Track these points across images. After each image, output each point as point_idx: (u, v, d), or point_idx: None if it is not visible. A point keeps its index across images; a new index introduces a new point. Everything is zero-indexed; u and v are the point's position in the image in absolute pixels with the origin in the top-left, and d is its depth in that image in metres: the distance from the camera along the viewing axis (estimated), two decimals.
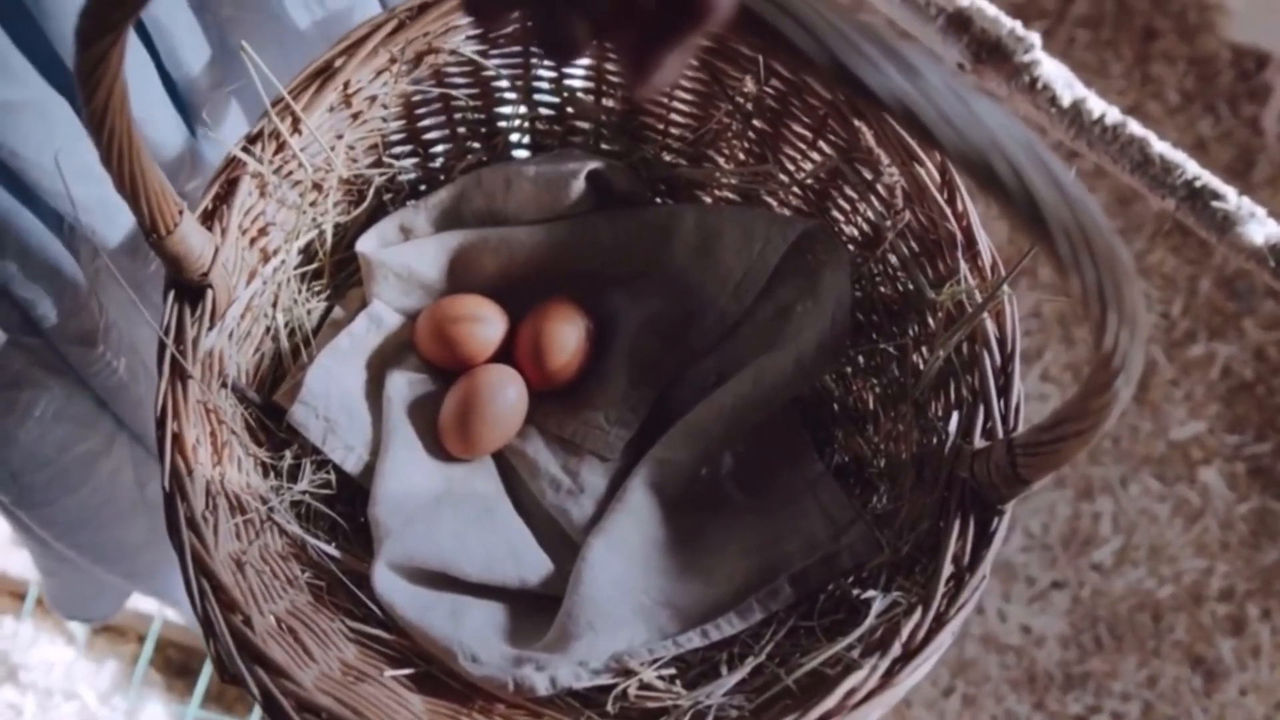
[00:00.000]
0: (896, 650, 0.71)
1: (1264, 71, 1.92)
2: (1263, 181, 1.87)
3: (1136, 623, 1.69)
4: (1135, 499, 1.74)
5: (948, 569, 0.73)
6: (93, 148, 0.82)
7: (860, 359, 0.89)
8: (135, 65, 0.83)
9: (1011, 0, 1.98)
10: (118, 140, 0.65)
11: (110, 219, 0.86)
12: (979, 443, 0.75)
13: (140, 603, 1.59)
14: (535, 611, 0.83)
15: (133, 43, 0.82)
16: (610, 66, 0.92)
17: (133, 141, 0.65)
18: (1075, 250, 0.47)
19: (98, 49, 0.57)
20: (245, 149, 0.81)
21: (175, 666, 1.65)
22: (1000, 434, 0.75)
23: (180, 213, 0.73)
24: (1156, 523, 1.72)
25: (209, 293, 0.78)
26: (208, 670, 1.60)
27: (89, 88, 0.60)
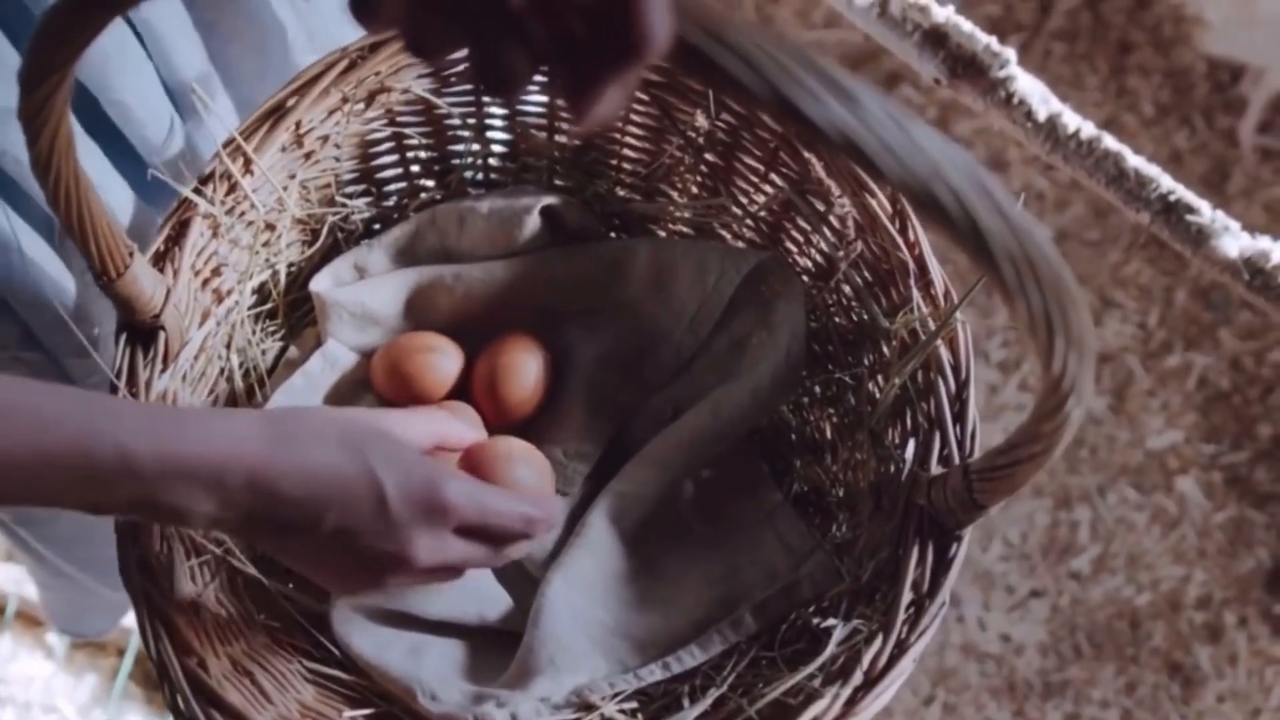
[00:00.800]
0: (858, 678, 0.71)
1: (1239, 84, 1.95)
2: (1238, 193, 1.89)
3: (1115, 630, 1.70)
4: (1113, 508, 1.75)
5: (907, 596, 0.73)
6: (90, 154, 0.82)
7: (817, 389, 0.89)
8: (133, 66, 0.84)
9: (987, 14, 2.01)
10: (64, 183, 0.64)
11: None
12: (935, 469, 0.75)
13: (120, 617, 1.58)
14: (495, 648, 0.82)
15: (130, 43, 0.83)
16: (562, 103, 0.93)
17: (79, 184, 0.65)
18: (1020, 276, 0.47)
19: (41, 92, 0.57)
20: (197, 190, 0.81)
21: (154, 680, 1.63)
22: (957, 459, 0.76)
23: (130, 255, 0.73)
24: (1134, 531, 1.74)
25: (161, 335, 0.78)
26: None
27: (34, 130, 0.60)
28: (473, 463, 0.80)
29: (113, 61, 0.82)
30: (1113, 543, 1.73)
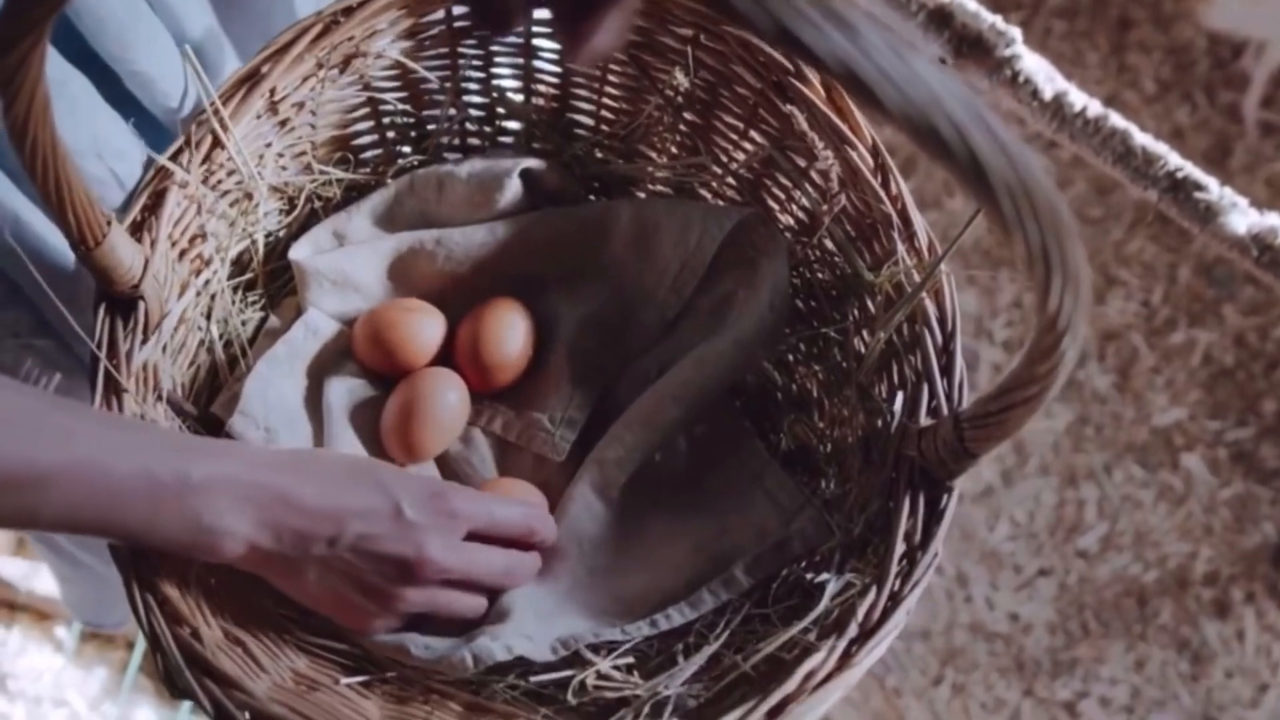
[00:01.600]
0: (853, 631, 0.71)
1: (1240, 60, 1.95)
2: (1240, 169, 1.90)
3: (1123, 608, 1.71)
4: (1119, 485, 1.76)
5: (900, 547, 0.73)
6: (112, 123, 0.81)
7: (801, 345, 0.89)
8: (148, 33, 0.84)
9: None
10: (41, 149, 0.63)
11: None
12: (925, 421, 0.75)
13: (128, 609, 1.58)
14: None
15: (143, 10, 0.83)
16: (539, 64, 0.92)
17: (57, 151, 0.64)
18: (1019, 209, 0.47)
19: (16, 53, 0.56)
20: (172, 158, 0.80)
21: None
22: (946, 411, 0.76)
23: (108, 224, 0.72)
24: (1141, 509, 1.75)
25: (140, 305, 0.77)
26: None
27: (9, 95, 0.59)
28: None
29: (128, 30, 0.81)
30: (1119, 520, 1.74)
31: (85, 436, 0.64)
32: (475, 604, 0.79)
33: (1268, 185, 1.90)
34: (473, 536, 0.77)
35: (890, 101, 0.43)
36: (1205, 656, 1.69)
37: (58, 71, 0.78)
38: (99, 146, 0.84)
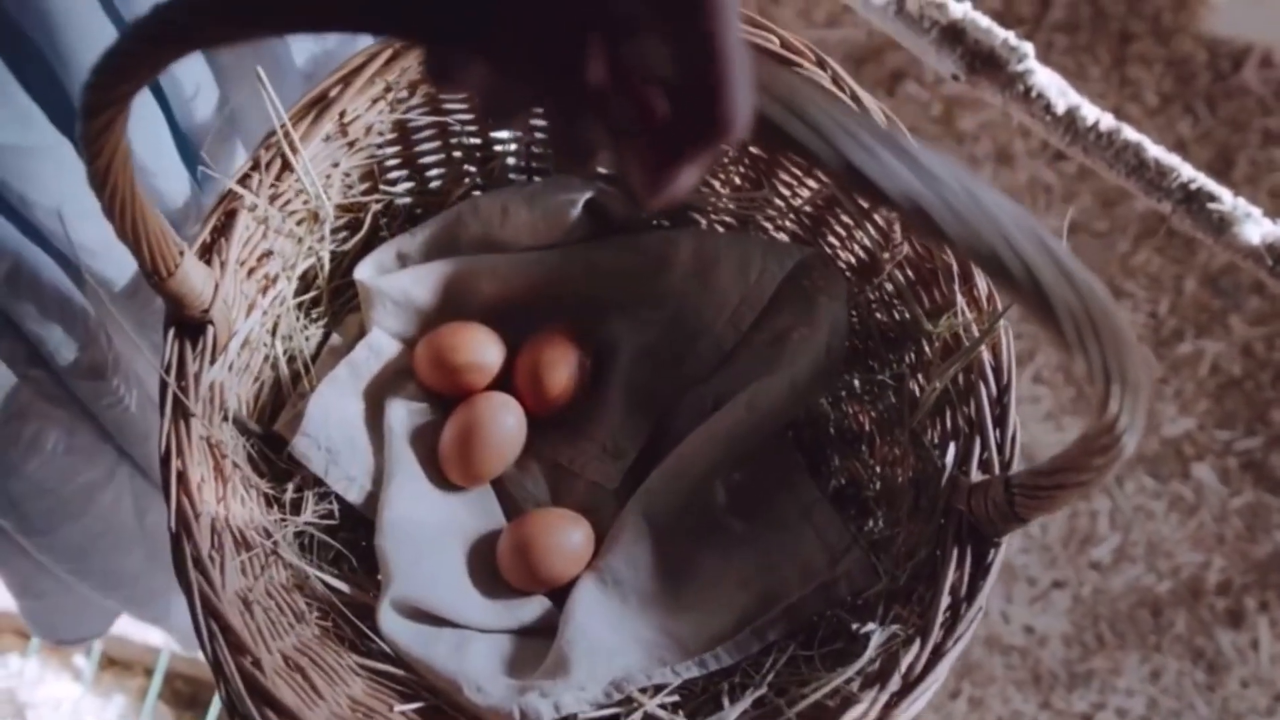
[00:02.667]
0: (895, 684, 0.72)
1: (1241, 71, 1.93)
2: (1243, 180, 1.88)
3: (1137, 619, 1.71)
4: (1131, 496, 1.75)
5: (945, 600, 0.74)
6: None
7: (856, 383, 0.90)
8: (143, 111, 0.84)
9: (989, 8, 1.99)
10: (120, 194, 0.65)
11: (115, 261, 0.87)
12: (976, 475, 0.76)
13: (147, 635, 1.58)
14: (535, 645, 0.83)
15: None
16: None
17: (134, 194, 0.66)
18: (1080, 331, 0.48)
19: (102, 119, 0.57)
20: (241, 181, 0.81)
21: (184, 699, 1.65)
22: (996, 466, 0.76)
23: (181, 254, 0.73)
24: (1153, 519, 1.74)
25: (210, 328, 0.78)
26: (217, 703, 1.59)
27: (94, 151, 0.60)
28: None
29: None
30: (1132, 531, 1.73)
31: None
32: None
33: (1271, 196, 1.88)
34: None
35: (959, 238, 0.44)
36: (1221, 666, 1.69)
37: (47, 138, 0.79)
38: None
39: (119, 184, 0.64)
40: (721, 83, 0.40)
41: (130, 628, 1.53)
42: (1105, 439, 0.56)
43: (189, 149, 0.91)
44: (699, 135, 0.41)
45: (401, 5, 0.41)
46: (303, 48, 0.93)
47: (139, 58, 0.51)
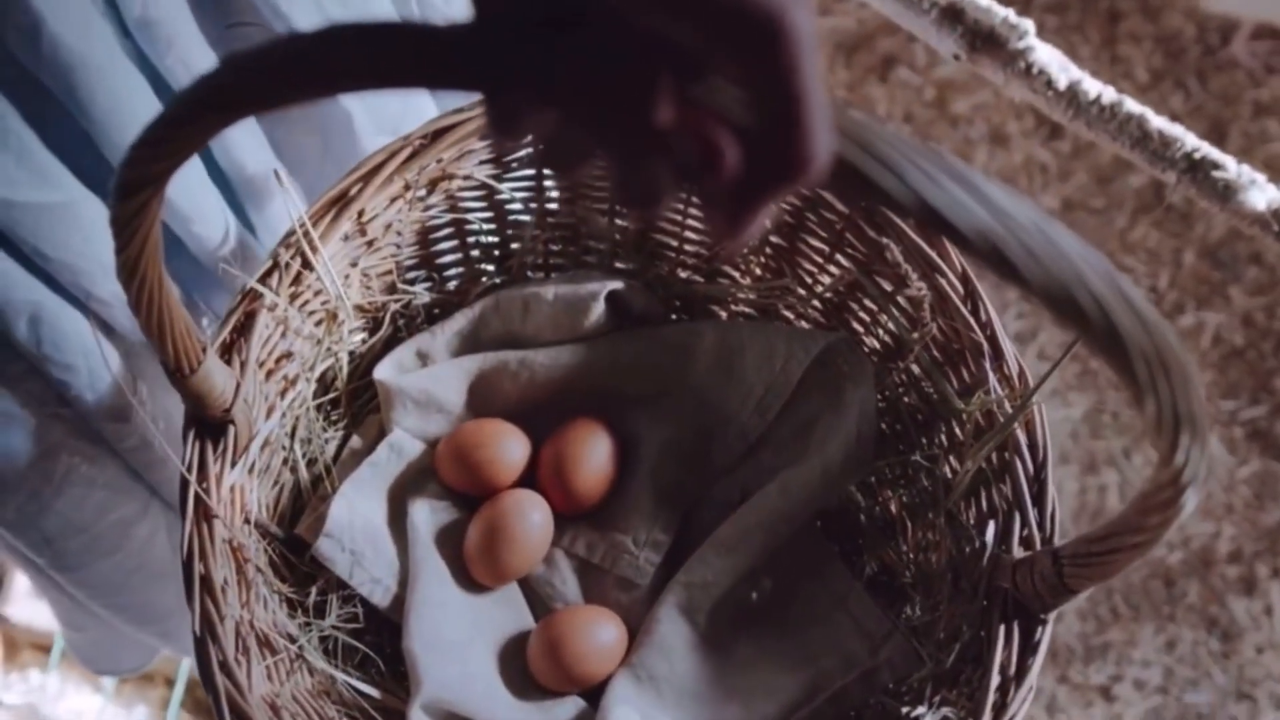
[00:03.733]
0: None
1: (1230, 45, 1.99)
2: (1237, 152, 1.91)
3: (1150, 590, 1.72)
4: (1139, 469, 1.77)
5: (995, 679, 0.72)
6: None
7: (885, 469, 0.89)
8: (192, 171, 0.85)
9: None
10: (148, 287, 0.64)
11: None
12: (1018, 552, 0.75)
13: None
14: None
15: None
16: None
17: (162, 286, 0.65)
18: (1153, 374, 0.47)
19: (137, 200, 0.56)
20: (261, 280, 0.81)
21: (205, 708, 1.63)
22: (1037, 542, 0.75)
23: (204, 350, 0.72)
24: None
25: (231, 429, 0.77)
26: None
27: (124, 236, 0.59)
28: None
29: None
30: None
31: None
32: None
33: (1266, 166, 1.92)
34: None
35: (1033, 277, 0.43)
36: (1235, 634, 1.69)
37: (69, 194, 0.80)
38: None
39: (148, 275, 0.63)
40: (801, 121, 0.39)
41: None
42: (1168, 492, 0.54)
43: (232, 193, 0.92)
44: (775, 175, 0.40)
45: (463, 55, 0.40)
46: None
47: (185, 127, 0.50)
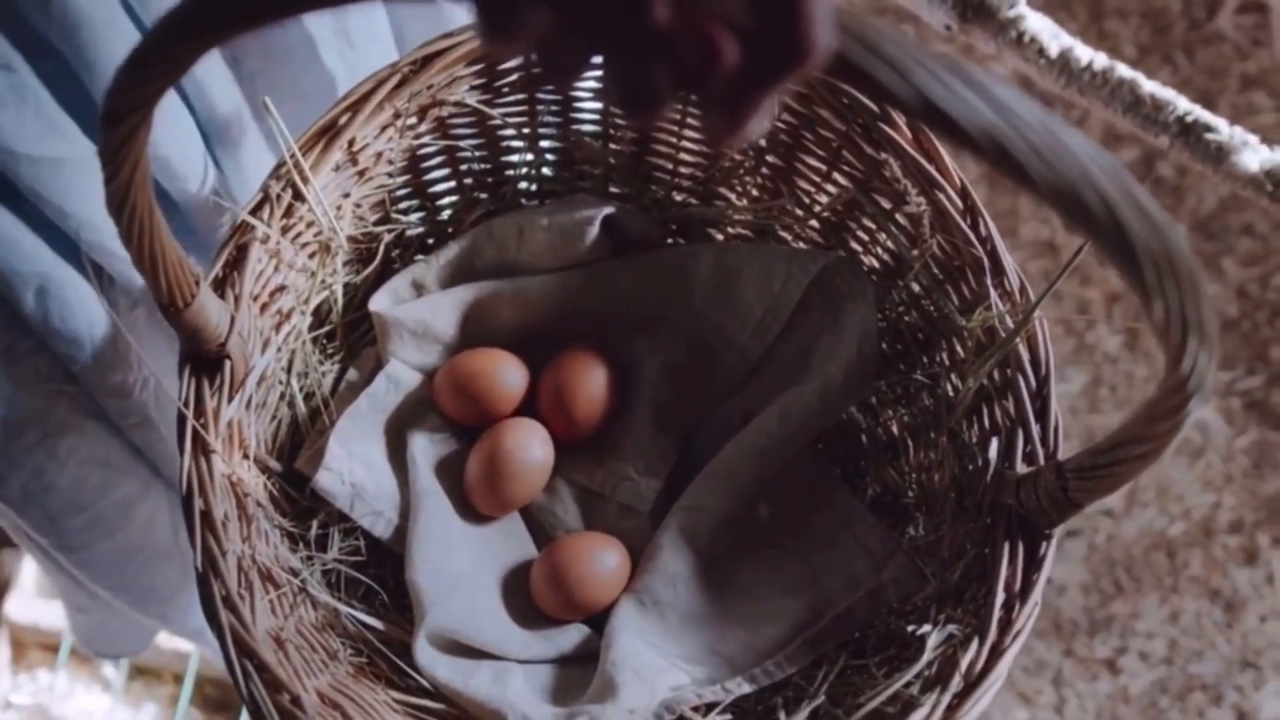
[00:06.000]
0: (957, 684, 0.70)
1: (1215, 18, 1.99)
2: None
3: (1153, 562, 1.73)
4: None
5: (1000, 597, 0.72)
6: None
7: (886, 388, 0.88)
8: (171, 112, 0.84)
9: None
10: (138, 218, 0.63)
11: None
12: (1021, 468, 0.74)
13: (175, 642, 1.59)
14: (577, 672, 0.81)
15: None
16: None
17: (153, 218, 0.64)
18: (1161, 277, 0.46)
19: (124, 128, 0.55)
20: (253, 213, 0.79)
21: (214, 703, 1.64)
22: (1040, 458, 0.75)
23: (197, 283, 0.71)
24: (1161, 463, 1.75)
25: (226, 363, 0.76)
26: None
27: (113, 166, 0.58)
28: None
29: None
30: (1141, 476, 1.75)
31: None
32: None
33: (1257, 135, 1.93)
34: None
35: (1039, 175, 0.42)
36: (1238, 603, 1.71)
37: (82, 149, 0.80)
38: None
39: (138, 205, 0.62)
40: (801, 8, 0.38)
41: (159, 636, 1.54)
42: (1175, 399, 0.54)
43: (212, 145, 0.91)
44: (775, 67, 0.39)
45: None
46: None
47: (169, 50, 0.49)
